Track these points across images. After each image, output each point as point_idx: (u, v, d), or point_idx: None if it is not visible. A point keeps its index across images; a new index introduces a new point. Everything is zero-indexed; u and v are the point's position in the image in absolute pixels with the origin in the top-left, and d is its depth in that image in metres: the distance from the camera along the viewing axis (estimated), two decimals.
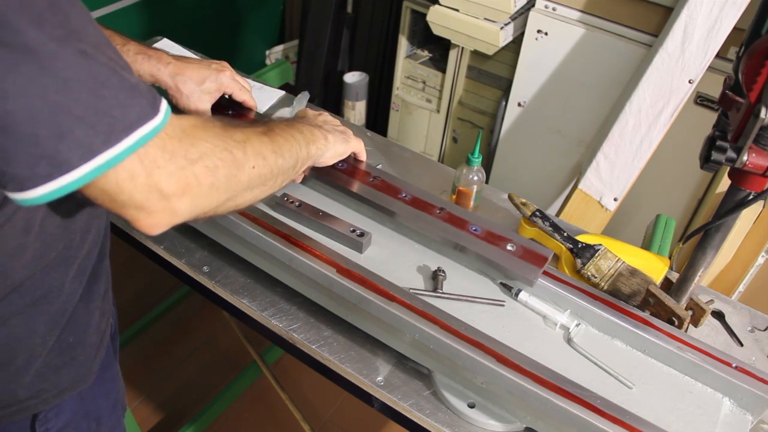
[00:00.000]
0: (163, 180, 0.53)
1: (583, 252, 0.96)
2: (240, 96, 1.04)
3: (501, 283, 0.90)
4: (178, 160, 0.54)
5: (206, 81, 0.97)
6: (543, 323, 0.87)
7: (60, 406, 0.75)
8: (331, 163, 0.92)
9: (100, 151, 0.48)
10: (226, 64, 1.03)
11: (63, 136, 0.46)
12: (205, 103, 0.98)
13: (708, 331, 0.93)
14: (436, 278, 0.89)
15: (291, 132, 0.76)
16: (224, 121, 0.63)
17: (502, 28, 1.60)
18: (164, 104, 0.53)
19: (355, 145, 0.96)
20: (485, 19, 1.62)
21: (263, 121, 0.75)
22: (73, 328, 0.71)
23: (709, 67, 1.27)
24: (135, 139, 0.50)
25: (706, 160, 0.68)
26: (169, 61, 0.94)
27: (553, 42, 1.59)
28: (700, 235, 0.80)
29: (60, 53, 0.46)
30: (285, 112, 1.23)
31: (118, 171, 0.50)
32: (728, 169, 0.70)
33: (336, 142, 0.90)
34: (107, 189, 0.51)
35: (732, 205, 0.74)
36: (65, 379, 0.73)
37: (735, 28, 1.22)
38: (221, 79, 0.99)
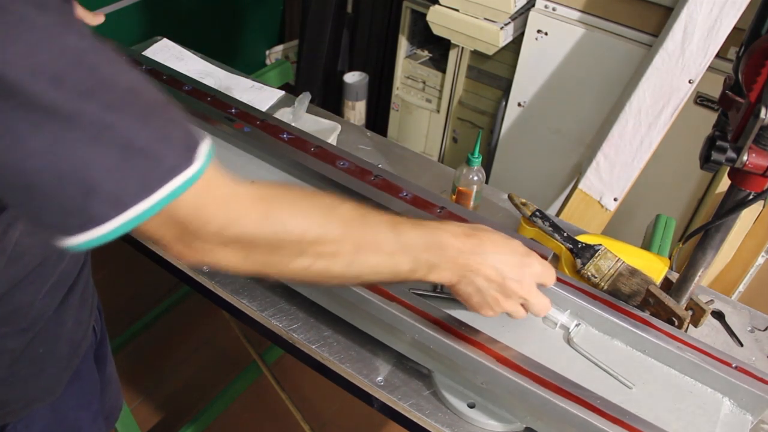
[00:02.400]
0: (202, 231, 0.51)
1: (583, 252, 0.96)
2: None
3: None
4: (210, 228, 0.51)
5: None
6: (543, 323, 0.87)
7: (30, 418, 0.72)
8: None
9: (131, 204, 0.46)
10: None
11: (91, 191, 0.45)
12: None
13: (708, 331, 0.93)
14: None
15: (398, 250, 0.64)
16: (314, 195, 0.58)
17: (502, 28, 1.60)
18: (202, 151, 0.49)
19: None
20: (485, 19, 1.62)
21: (379, 220, 0.64)
22: (42, 339, 0.69)
23: (709, 67, 1.27)
24: (169, 190, 0.47)
25: (706, 160, 0.68)
26: None
27: (553, 42, 1.59)
28: (700, 235, 0.80)
29: (85, 109, 0.44)
30: (285, 113, 1.23)
31: (150, 221, 0.48)
32: (728, 169, 0.70)
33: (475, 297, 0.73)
34: (142, 232, 0.50)
35: (732, 205, 0.74)
36: (33, 390, 0.71)
37: (735, 28, 1.22)
38: None
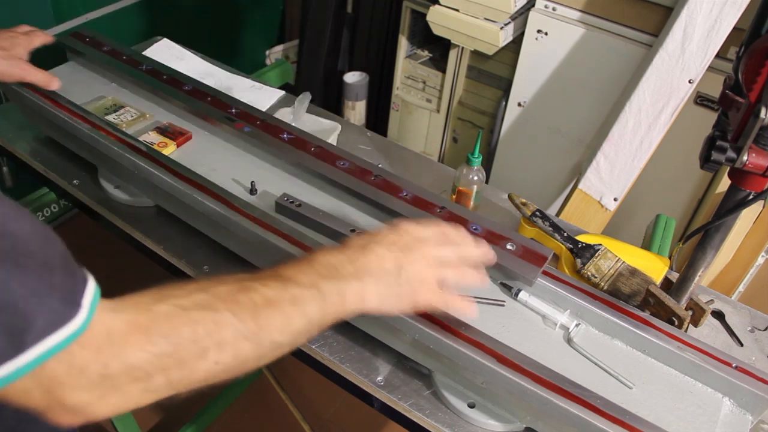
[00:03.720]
0: (70, 397, 0.45)
1: (583, 252, 0.96)
2: (28, 77, 0.97)
3: (501, 283, 0.90)
4: (90, 376, 0.45)
5: None
6: (543, 323, 0.87)
7: None
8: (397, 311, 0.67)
9: None
10: None
11: None
12: None
13: (708, 331, 0.93)
14: None
15: (297, 293, 0.58)
16: (189, 294, 0.52)
17: (502, 28, 1.60)
18: (86, 301, 0.44)
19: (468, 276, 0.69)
20: (485, 19, 1.62)
21: (261, 279, 0.58)
22: None
23: (709, 67, 1.27)
24: (33, 356, 0.42)
25: (706, 160, 0.68)
26: None
27: (553, 42, 1.59)
28: (700, 235, 0.80)
29: None
30: (285, 113, 1.23)
31: (11, 388, 0.42)
32: (728, 169, 0.70)
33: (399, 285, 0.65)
34: (7, 398, 0.44)
35: (732, 205, 0.74)
36: None
37: (735, 28, 1.22)
38: None
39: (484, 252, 0.72)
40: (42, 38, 1.06)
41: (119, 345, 0.46)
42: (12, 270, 0.41)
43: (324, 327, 0.61)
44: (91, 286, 0.47)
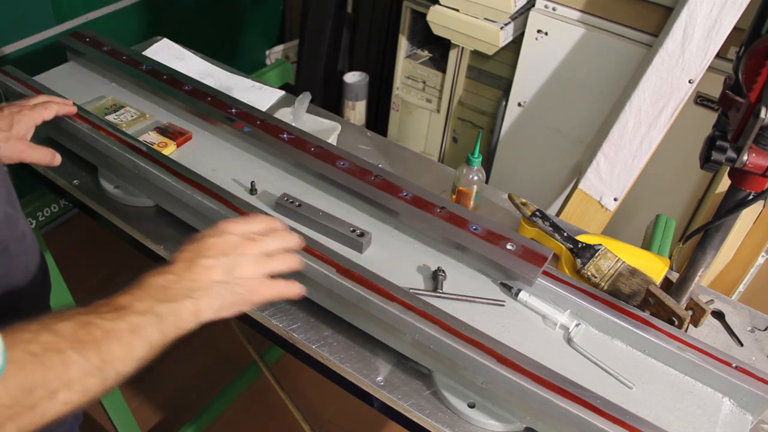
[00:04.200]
0: None
1: (583, 252, 0.96)
2: (28, 158, 0.90)
3: (501, 283, 0.90)
4: None
5: None
6: (543, 323, 0.87)
7: None
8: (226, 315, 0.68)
9: None
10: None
11: None
12: None
13: (708, 331, 0.93)
14: (436, 278, 0.89)
15: (134, 321, 0.58)
16: (37, 337, 0.51)
17: (502, 28, 1.60)
18: None
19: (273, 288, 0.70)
20: (485, 19, 1.62)
21: (99, 312, 0.57)
22: None
23: (709, 67, 1.27)
24: None
25: (706, 160, 0.68)
26: None
27: (553, 42, 1.59)
28: (700, 235, 0.80)
29: None
30: (285, 113, 1.23)
31: None
32: (728, 169, 0.70)
33: (217, 295, 0.65)
34: None
35: (732, 205, 0.74)
36: None
37: (735, 28, 1.22)
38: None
39: (295, 236, 0.76)
40: (51, 110, 0.98)
41: None
42: None
43: (164, 347, 0.62)
44: None
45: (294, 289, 0.73)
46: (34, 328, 0.53)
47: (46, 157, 0.93)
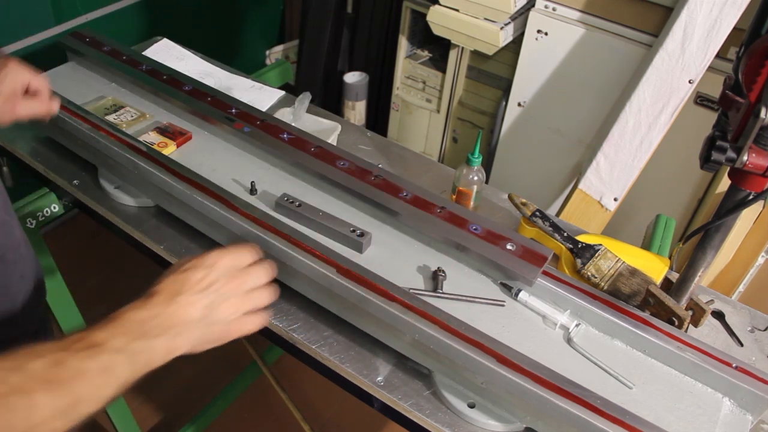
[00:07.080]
0: None
1: (583, 252, 0.96)
2: (22, 111, 0.87)
3: (501, 283, 0.90)
4: None
5: None
6: (543, 323, 0.87)
7: None
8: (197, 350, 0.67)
9: None
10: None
11: None
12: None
13: (708, 331, 0.93)
14: (436, 278, 0.89)
15: (107, 361, 0.57)
16: (6, 377, 0.51)
17: (502, 28, 1.60)
18: None
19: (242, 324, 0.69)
20: (485, 19, 1.62)
21: (73, 348, 0.56)
22: None
23: (709, 67, 1.27)
24: None
25: (706, 160, 0.68)
26: None
27: (553, 42, 1.59)
28: (700, 235, 0.80)
29: None
30: (285, 113, 1.23)
31: None
32: (728, 169, 0.70)
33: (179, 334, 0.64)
34: None
35: (732, 205, 0.74)
36: None
37: (735, 28, 1.22)
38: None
39: (273, 267, 0.74)
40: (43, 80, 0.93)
41: None
42: None
43: (135, 382, 0.61)
44: None
45: (266, 319, 0.72)
46: (6, 366, 0.53)
47: (42, 106, 0.89)
